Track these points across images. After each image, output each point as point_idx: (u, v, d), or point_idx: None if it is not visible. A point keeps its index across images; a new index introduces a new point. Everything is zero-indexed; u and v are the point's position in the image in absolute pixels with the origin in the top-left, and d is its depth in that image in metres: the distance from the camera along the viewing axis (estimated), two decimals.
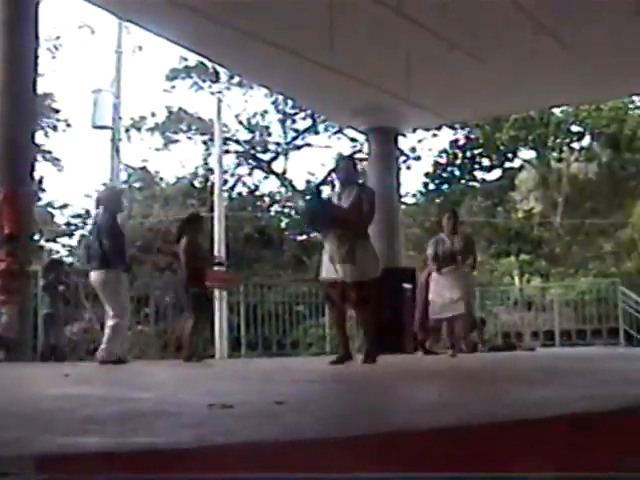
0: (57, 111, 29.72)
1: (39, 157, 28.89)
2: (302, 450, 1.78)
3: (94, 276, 9.41)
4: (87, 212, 31.49)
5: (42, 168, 29.24)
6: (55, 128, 29.36)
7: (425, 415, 2.36)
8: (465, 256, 10.83)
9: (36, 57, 12.15)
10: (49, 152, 30.08)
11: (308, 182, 33.48)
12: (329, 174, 8.73)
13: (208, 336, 11.65)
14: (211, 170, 26.92)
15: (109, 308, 9.40)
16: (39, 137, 28.12)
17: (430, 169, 32.39)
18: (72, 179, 46.37)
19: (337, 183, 8.45)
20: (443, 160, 32.27)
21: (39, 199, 28.92)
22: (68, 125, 29.65)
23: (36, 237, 28.57)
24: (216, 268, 11.28)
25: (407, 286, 14.59)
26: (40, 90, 28.24)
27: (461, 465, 1.90)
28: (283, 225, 32.98)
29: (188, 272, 10.09)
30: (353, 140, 31.89)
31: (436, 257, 10.84)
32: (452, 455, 1.92)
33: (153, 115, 32.33)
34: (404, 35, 11.87)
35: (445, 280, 10.64)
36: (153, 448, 1.62)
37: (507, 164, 32.26)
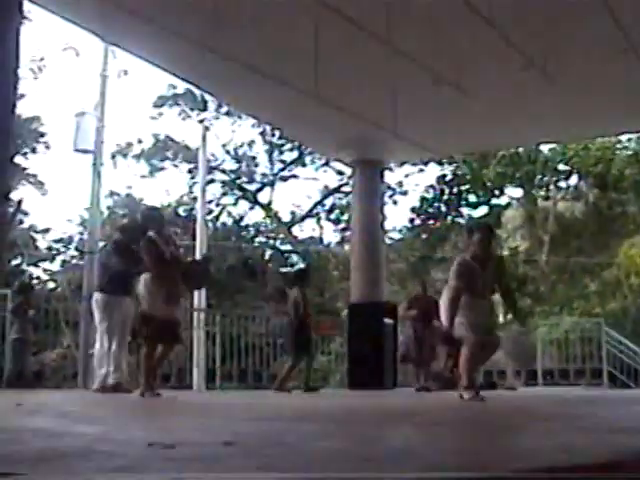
0: (42, 135, 29.48)
1: (23, 180, 28.68)
2: None
3: (94, 297, 9.41)
4: (69, 237, 31.24)
5: (25, 191, 29.03)
6: (34, 150, 29.07)
7: (385, 465, 2.11)
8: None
9: (16, 78, 11.94)
10: (34, 175, 29.85)
11: (293, 214, 33.37)
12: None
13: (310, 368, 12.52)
14: (196, 199, 26.68)
15: (100, 332, 9.30)
16: (21, 160, 27.95)
17: (417, 204, 32.30)
18: (54, 203, 46.02)
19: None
20: (430, 195, 32.17)
21: (21, 222, 28.67)
22: (47, 147, 29.38)
23: (17, 261, 28.39)
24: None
25: (388, 321, 14.37)
26: (26, 113, 28.29)
27: None
28: (267, 256, 32.74)
29: (298, 321, 11.48)
30: (340, 173, 31.80)
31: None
32: None
33: (139, 142, 32.18)
34: (391, 67, 11.72)
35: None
36: None
37: (494, 201, 32.16)
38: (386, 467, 2.00)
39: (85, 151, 17.25)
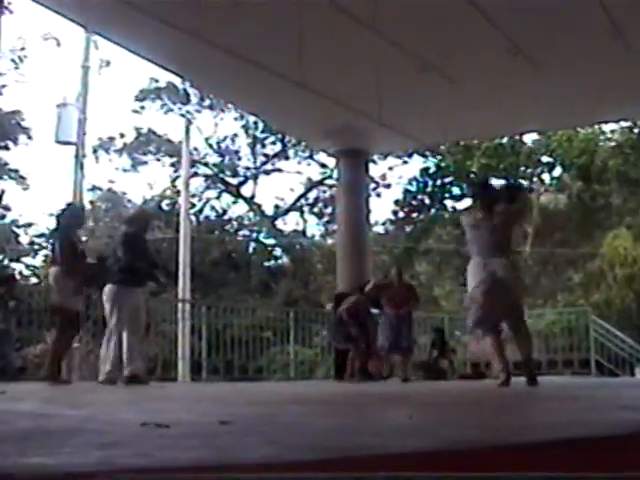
0: (24, 129, 29.16)
1: (4, 175, 28.39)
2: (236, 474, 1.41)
3: (106, 289, 9.19)
4: (51, 231, 30.93)
5: (7, 186, 28.73)
6: (16, 141, 28.72)
7: (393, 439, 1.99)
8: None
9: None
10: (15, 170, 29.54)
11: (277, 207, 33.25)
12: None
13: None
14: (179, 192, 26.55)
15: (111, 324, 9.13)
16: (1, 154, 27.66)
17: (400, 197, 32.21)
18: (36, 196, 45.65)
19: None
20: (413, 188, 32.07)
21: (2, 217, 28.40)
22: (29, 137, 29.03)
23: None
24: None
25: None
26: (7, 106, 28.01)
27: None
28: (251, 250, 32.62)
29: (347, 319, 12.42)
30: (323, 166, 31.72)
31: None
32: None
33: (122, 136, 31.95)
34: (377, 55, 11.60)
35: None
36: (36, 471, 1.25)
37: None
38: (395, 440, 1.89)
39: (67, 143, 17.07)
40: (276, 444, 1.85)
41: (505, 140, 27.72)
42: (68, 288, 8.79)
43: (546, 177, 31.20)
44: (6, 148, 28.27)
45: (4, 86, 26.66)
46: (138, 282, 9.36)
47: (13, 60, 27.75)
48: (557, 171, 30.91)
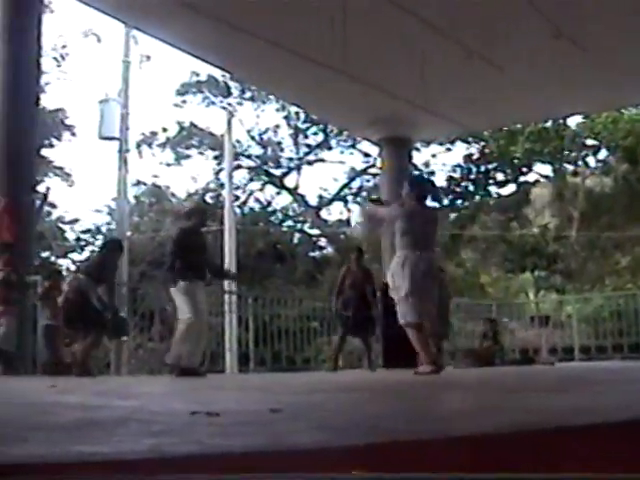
0: (68, 126, 29.46)
1: (49, 172, 28.70)
2: (290, 460, 1.39)
3: (174, 286, 9.22)
4: (97, 228, 31.24)
5: (52, 183, 29.05)
6: (60, 138, 29.02)
7: (443, 424, 1.96)
8: None
9: (38, 66, 11.83)
10: (60, 168, 29.86)
11: (320, 197, 33.21)
12: None
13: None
14: (223, 185, 26.63)
15: (180, 316, 9.14)
16: (47, 152, 27.94)
17: (444, 184, 32.02)
18: (81, 192, 46.06)
19: None
20: (457, 175, 31.88)
21: (49, 214, 28.71)
22: (73, 134, 29.31)
23: (46, 254, 28.42)
24: None
25: None
26: (50, 104, 28.32)
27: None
28: (296, 240, 32.65)
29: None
30: (366, 155, 31.61)
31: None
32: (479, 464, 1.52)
33: (164, 130, 32.12)
34: (421, 41, 11.55)
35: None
36: (83, 459, 1.24)
37: (522, 178, 31.80)
38: (442, 425, 1.86)
39: (110, 138, 17.21)
40: (327, 430, 1.83)
41: (549, 124, 27.41)
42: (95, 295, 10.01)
43: (591, 160, 30.85)
44: (50, 146, 28.60)
45: (47, 84, 26.92)
46: (202, 276, 9.38)
47: (55, 58, 28.05)
48: (602, 154, 30.54)
